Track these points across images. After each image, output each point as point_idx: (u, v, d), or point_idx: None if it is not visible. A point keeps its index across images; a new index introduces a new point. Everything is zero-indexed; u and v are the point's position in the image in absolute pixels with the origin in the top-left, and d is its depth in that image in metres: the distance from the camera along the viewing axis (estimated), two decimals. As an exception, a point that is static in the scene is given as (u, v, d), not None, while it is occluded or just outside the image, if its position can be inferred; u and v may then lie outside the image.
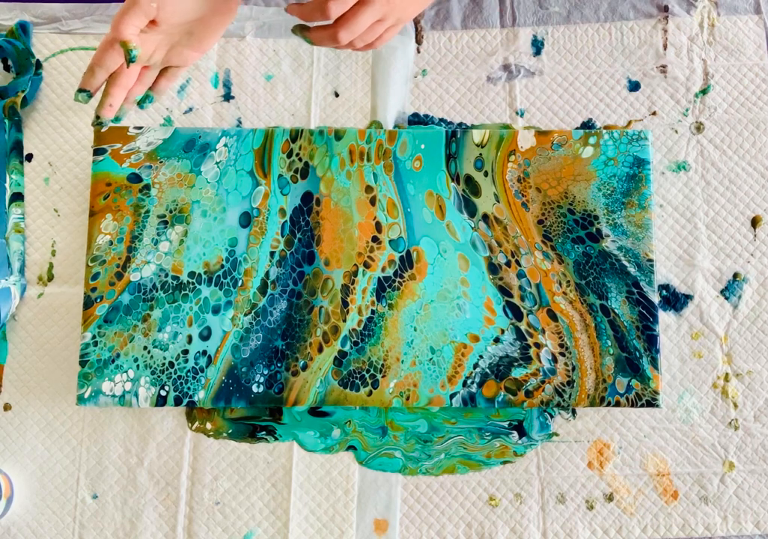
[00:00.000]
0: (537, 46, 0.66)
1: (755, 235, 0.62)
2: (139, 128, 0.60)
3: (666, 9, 0.66)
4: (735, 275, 0.62)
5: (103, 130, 0.59)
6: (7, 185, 0.62)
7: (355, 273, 0.58)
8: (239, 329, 0.57)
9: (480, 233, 0.59)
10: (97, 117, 0.53)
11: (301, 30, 0.49)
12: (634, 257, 0.58)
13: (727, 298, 0.61)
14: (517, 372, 0.57)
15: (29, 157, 0.63)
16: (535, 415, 0.59)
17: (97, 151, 0.59)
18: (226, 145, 0.60)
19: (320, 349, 0.57)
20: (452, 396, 0.57)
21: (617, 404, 0.56)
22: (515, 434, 0.59)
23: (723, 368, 0.60)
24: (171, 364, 0.57)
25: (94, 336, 0.57)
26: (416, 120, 0.65)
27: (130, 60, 0.48)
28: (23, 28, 0.64)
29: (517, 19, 0.66)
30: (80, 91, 0.51)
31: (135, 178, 0.59)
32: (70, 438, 0.59)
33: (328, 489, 0.58)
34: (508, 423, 0.59)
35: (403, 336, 0.57)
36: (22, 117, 0.64)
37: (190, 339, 0.57)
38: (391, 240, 0.59)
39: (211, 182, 0.59)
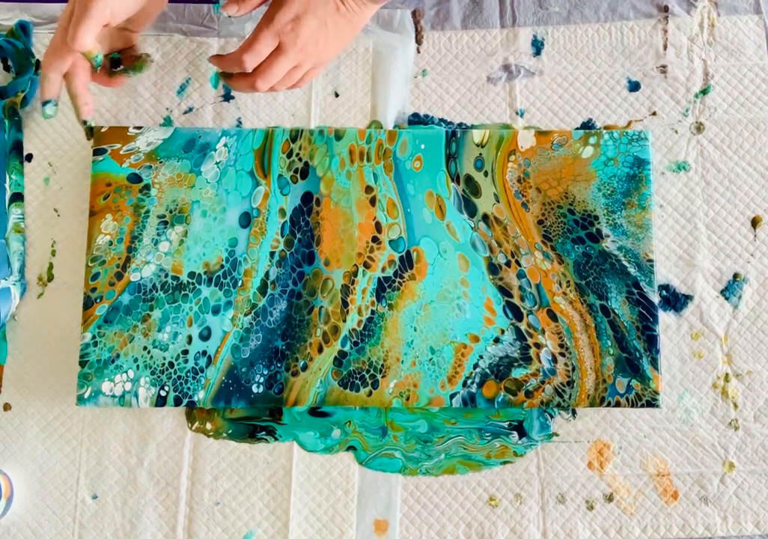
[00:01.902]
0: (537, 46, 0.66)
1: (755, 235, 0.62)
2: (139, 128, 0.60)
3: (666, 9, 0.66)
4: (735, 275, 0.62)
5: (103, 129, 0.59)
6: (7, 185, 0.62)
7: (355, 274, 0.58)
8: (239, 329, 0.57)
9: (480, 233, 0.59)
10: (84, 122, 0.54)
11: (224, 77, 0.53)
12: (634, 257, 0.58)
13: (727, 298, 0.61)
14: (517, 373, 0.57)
15: (29, 157, 0.63)
16: (535, 415, 0.59)
17: (97, 151, 0.59)
18: (226, 145, 0.60)
19: (320, 349, 0.57)
20: (452, 396, 0.57)
21: (617, 404, 0.56)
22: (515, 434, 0.59)
23: (723, 368, 0.60)
24: (171, 364, 0.57)
25: (94, 337, 0.57)
26: (416, 120, 0.64)
27: (96, 65, 0.50)
28: (23, 28, 0.64)
29: (517, 19, 0.66)
30: (45, 103, 0.52)
31: (135, 178, 0.59)
32: (70, 438, 0.59)
33: (328, 489, 0.58)
34: (508, 423, 0.59)
35: (403, 336, 0.57)
36: (22, 117, 0.64)
37: (190, 339, 0.57)
38: (391, 240, 0.59)
39: (211, 182, 0.59)
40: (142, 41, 0.65)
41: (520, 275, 0.58)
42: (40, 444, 0.59)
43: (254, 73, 0.50)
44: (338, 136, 0.60)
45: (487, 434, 0.59)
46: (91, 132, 0.56)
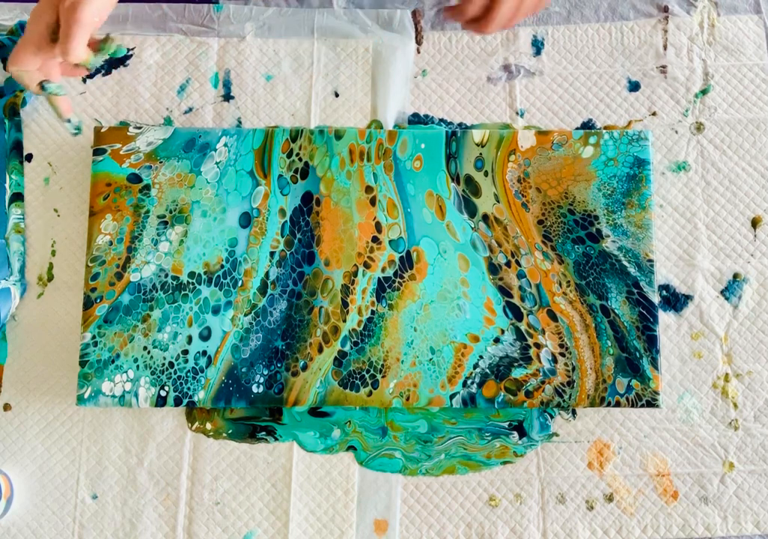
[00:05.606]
0: (537, 46, 0.66)
1: (755, 235, 0.62)
2: (139, 128, 0.60)
3: (666, 9, 0.66)
4: (735, 275, 0.62)
5: (103, 130, 0.59)
6: (7, 185, 0.62)
7: (355, 274, 0.58)
8: (239, 329, 0.57)
9: (480, 233, 0.59)
10: (68, 120, 0.54)
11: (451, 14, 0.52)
12: (634, 257, 0.58)
13: (727, 298, 0.61)
14: (517, 373, 0.57)
15: (29, 157, 0.63)
16: (535, 415, 0.59)
17: (97, 151, 0.59)
18: (226, 145, 0.60)
19: (320, 349, 0.57)
20: (452, 396, 0.57)
21: (617, 404, 0.56)
22: (515, 434, 0.59)
23: (723, 368, 0.60)
24: (171, 364, 0.57)
25: (94, 337, 0.57)
26: (416, 120, 0.64)
27: (91, 69, 0.51)
28: (23, 29, 0.64)
29: (517, 19, 0.66)
30: (43, 85, 0.50)
31: (135, 178, 0.59)
32: (70, 438, 0.59)
33: (328, 489, 0.58)
34: (508, 423, 0.59)
35: (403, 336, 0.57)
36: (22, 117, 0.64)
37: (190, 339, 0.57)
38: (391, 240, 0.59)
39: (211, 182, 0.59)
40: (142, 42, 0.65)
41: (520, 275, 0.58)
42: (40, 444, 0.59)
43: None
44: (338, 135, 0.60)
45: (487, 434, 0.59)
46: (77, 129, 0.55)
